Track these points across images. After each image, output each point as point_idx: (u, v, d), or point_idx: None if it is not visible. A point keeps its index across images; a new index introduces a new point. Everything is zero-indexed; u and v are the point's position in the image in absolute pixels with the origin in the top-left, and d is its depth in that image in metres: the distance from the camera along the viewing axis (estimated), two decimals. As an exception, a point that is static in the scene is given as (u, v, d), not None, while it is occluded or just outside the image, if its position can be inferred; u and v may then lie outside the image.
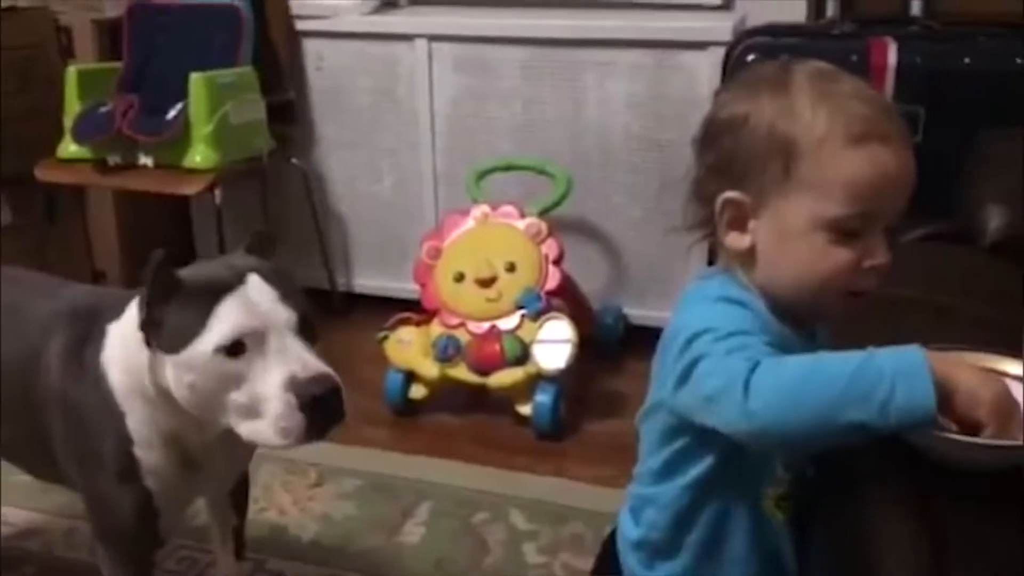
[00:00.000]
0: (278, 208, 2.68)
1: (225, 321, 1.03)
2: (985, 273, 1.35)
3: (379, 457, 2.01)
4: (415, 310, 2.21)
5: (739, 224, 0.88)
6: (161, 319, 1.06)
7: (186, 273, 1.09)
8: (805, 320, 0.91)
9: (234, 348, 1.03)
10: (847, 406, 0.74)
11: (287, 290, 1.08)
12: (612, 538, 1.05)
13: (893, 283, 1.01)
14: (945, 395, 0.74)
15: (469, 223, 2.23)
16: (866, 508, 0.76)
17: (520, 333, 2.07)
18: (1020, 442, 0.76)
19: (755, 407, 0.76)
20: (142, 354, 1.10)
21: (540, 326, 2.06)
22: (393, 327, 2.17)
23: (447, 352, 2.09)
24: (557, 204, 2.27)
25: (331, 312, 2.68)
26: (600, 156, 2.38)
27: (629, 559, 0.99)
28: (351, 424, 2.08)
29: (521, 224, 2.19)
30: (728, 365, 0.79)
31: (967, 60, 1.77)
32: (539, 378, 2.05)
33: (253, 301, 1.04)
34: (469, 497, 1.85)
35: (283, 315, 1.05)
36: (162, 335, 1.07)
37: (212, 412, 1.08)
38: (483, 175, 2.35)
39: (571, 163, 2.34)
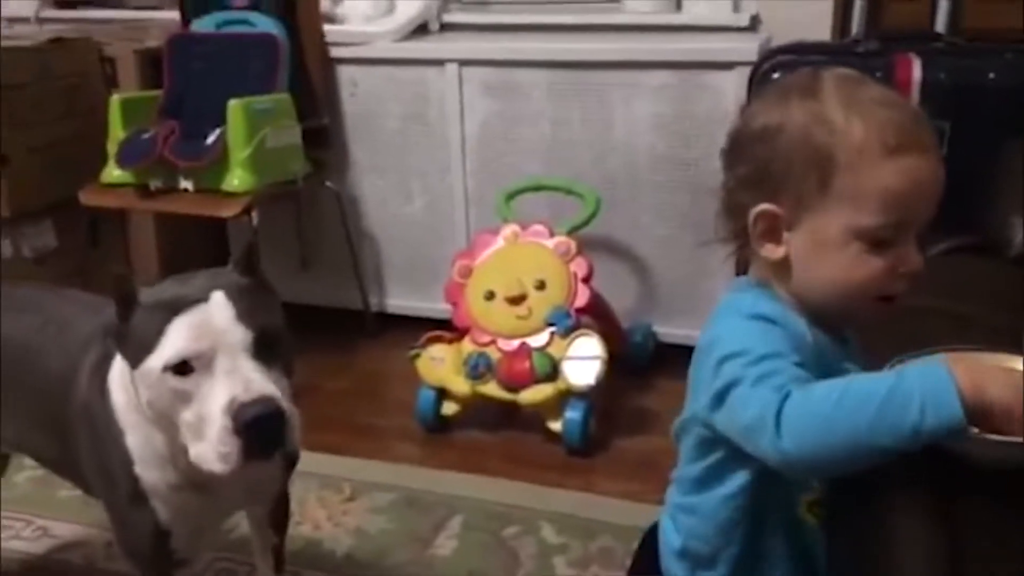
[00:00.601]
0: (313, 230, 2.74)
1: (174, 340, 1.02)
2: (1010, 284, 1.35)
3: (411, 472, 2.04)
4: (446, 329, 2.25)
5: (773, 235, 0.89)
6: (126, 335, 1.08)
7: (155, 289, 1.11)
8: (836, 325, 0.93)
9: (181, 367, 1.02)
10: (877, 434, 0.75)
11: (250, 309, 1.05)
12: (643, 547, 1.07)
13: (918, 294, 1.02)
14: (978, 412, 0.74)
15: (499, 243, 2.26)
16: (884, 507, 0.77)
17: (550, 350, 2.10)
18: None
19: (787, 442, 0.78)
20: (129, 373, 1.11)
21: (570, 343, 2.08)
22: (425, 345, 2.20)
23: (478, 369, 2.12)
24: (586, 223, 2.29)
25: (364, 333, 2.72)
26: (627, 176, 2.40)
27: (673, 566, 1.00)
28: (383, 439, 2.18)
29: (550, 243, 2.22)
30: (760, 397, 0.80)
31: (992, 75, 1.77)
32: (569, 394, 2.07)
33: (207, 320, 1.03)
34: (500, 511, 1.87)
35: (237, 335, 1.03)
36: (126, 350, 1.09)
37: (169, 430, 1.08)
38: (513, 196, 2.39)
39: (599, 183, 2.37)
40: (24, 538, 1.82)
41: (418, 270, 2.69)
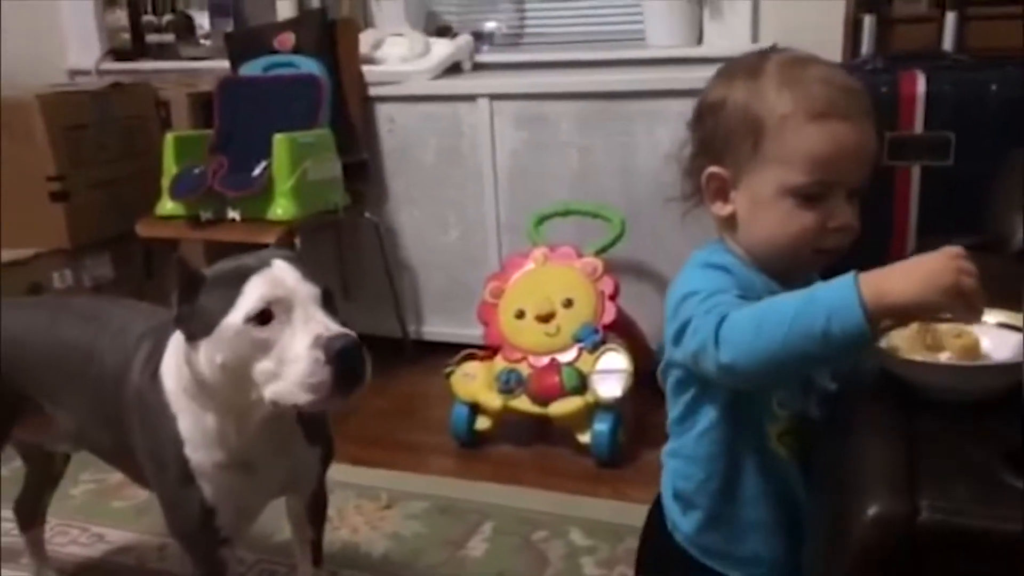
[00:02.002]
0: (353, 261, 2.87)
1: (253, 293, 1.12)
2: (1009, 278, 1.40)
3: (446, 483, 2.12)
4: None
5: (721, 195, 1.01)
6: (192, 311, 1.15)
7: (212, 269, 1.20)
8: (787, 276, 1.01)
9: (263, 317, 1.11)
10: (795, 342, 0.84)
11: (309, 270, 1.16)
12: (653, 511, 1.14)
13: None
14: (886, 314, 0.83)
15: (530, 265, 2.36)
16: (851, 427, 0.85)
17: (578, 365, 2.17)
18: (970, 363, 0.85)
19: (724, 355, 0.88)
20: (184, 355, 1.21)
21: (597, 358, 2.16)
22: (459, 363, 2.29)
23: (509, 384, 2.20)
24: (612, 245, 2.38)
25: (404, 359, 2.82)
26: (652, 199, 2.49)
27: (671, 510, 1.09)
28: (419, 455, 2.26)
29: (578, 263, 2.31)
30: (704, 323, 0.91)
31: (994, 87, 1.83)
32: (597, 407, 2.14)
33: (278, 277, 1.14)
34: (530, 517, 1.94)
35: (307, 289, 1.14)
36: (195, 323, 1.16)
37: (242, 388, 1.15)
38: (542, 220, 2.49)
39: (625, 207, 2.45)
40: (80, 544, 1.93)
41: (454, 297, 2.79)
